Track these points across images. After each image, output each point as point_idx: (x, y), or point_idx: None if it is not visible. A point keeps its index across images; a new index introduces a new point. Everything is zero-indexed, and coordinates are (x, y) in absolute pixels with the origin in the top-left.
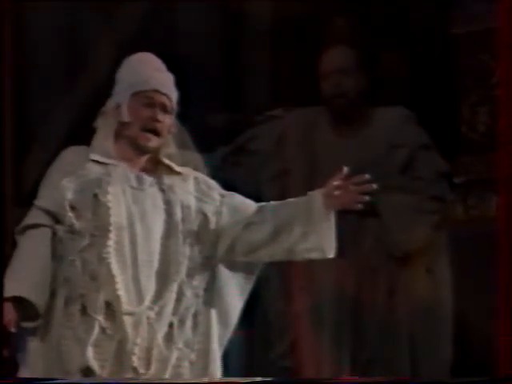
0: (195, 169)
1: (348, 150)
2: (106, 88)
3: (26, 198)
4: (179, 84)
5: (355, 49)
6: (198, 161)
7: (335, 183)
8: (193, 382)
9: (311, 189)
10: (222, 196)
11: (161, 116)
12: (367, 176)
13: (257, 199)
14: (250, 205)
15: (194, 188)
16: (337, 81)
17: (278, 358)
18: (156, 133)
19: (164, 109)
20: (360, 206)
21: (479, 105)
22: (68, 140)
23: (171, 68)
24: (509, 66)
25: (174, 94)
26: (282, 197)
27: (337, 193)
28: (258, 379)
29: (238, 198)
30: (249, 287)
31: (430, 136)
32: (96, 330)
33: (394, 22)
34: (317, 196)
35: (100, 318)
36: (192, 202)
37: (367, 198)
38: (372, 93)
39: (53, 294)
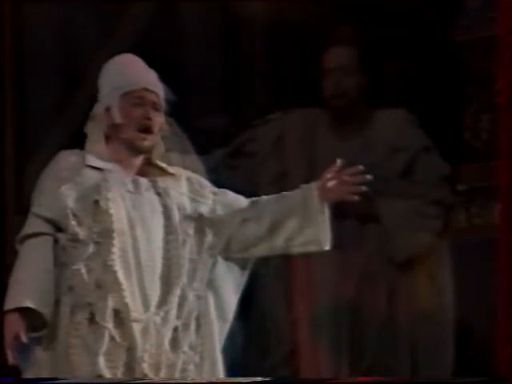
0: (195, 173)
1: (348, 152)
2: None
3: (28, 206)
4: (177, 86)
5: (357, 49)
6: (198, 166)
7: (329, 175)
8: (193, 382)
9: None
10: (215, 194)
11: (152, 114)
12: (361, 167)
13: None
14: (243, 201)
15: (188, 188)
16: (338, 79)
17: (275, 365)
18: (149, 131)
19: (154, 107)
20: (356, 198)
21: (482, 112)
22: (69, 147)
23: (169, 71)
24: (510, 74)
25: (161, 91)
26: None
27: (331, 185)
28: (259, 379)
29: (231, 195)
30: (243, 282)
31: (432, 141)
32: (106, 338)
33: (397, 28)
34: (312, 189)
35: (109, 326)
36: (187, 203)
37: (363, 188)
38: (373, 95)
39: (57, 303)
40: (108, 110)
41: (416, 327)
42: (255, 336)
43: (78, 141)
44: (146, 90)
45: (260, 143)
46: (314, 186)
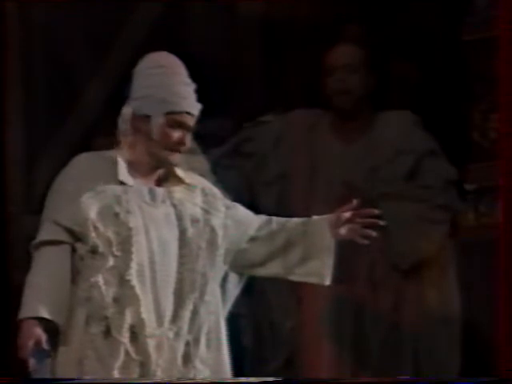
0: (201, 174)
1: (351, 155)
2: (120, 97)
3: (38, 205)
4: None
5: (363, 48)
6: (205, 167)
7: (343, 214)
8: (196, 381)
9: (311, 195)
10: (227, 208)
11: (186, 138)
12: (376, 211)
13: (252, 204)
14: (253, 219)
15: (202, 199)
16: (342, 77)
17: (272, 373)
18: (179, 151)
19: (188, 130)
20: (365, 242)
21: (490, 111)
22: (81, 147)
23: None
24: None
25: (197, 112)
26: (279, 203)
27: (344, 224)
28: (271, 379)
29: (242, 211)
30: (236, 294)
31: (441, 143)
32: (122, 353)
33: (405, 26)
34: (323, 223)
35: (126, 341)
36: (200, 215)
37: (374, 233)
38: (378, 96)
39: (71, 312)
40: (147, 117)
41: (422, 330)
42: (256, 339)
43: (85, 141)
44: (189, 113)
45: (257, 143)
46: (326, 220)
